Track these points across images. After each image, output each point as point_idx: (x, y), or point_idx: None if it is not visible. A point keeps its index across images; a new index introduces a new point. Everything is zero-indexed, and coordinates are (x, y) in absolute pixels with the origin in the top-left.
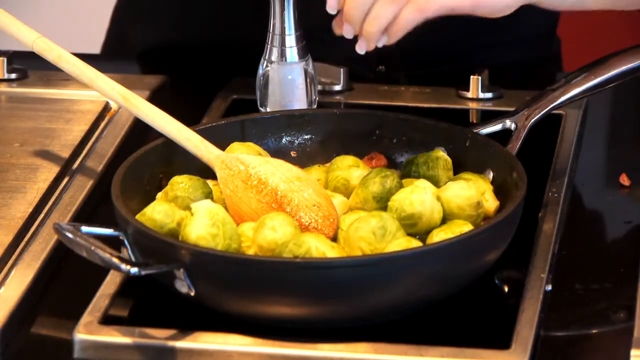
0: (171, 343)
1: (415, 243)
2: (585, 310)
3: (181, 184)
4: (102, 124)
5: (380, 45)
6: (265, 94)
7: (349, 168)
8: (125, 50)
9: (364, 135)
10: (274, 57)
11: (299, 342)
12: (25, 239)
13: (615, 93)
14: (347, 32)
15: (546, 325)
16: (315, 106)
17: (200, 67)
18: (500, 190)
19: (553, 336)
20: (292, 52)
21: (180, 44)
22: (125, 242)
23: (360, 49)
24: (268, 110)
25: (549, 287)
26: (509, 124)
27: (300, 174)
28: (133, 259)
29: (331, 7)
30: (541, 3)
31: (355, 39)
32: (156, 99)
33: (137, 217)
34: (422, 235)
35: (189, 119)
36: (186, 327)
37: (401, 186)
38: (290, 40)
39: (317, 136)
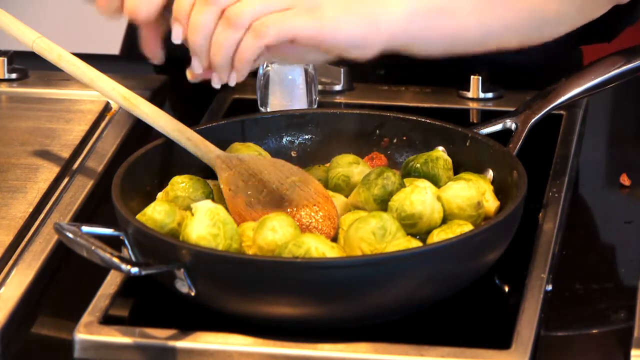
0: (171, 343)
1: (415, 243)
2: (585, 310)
3: (181, 184)
4: (103, 124)
5: (232, 83)
6: (266, 94)
7: (349, 165)
8: (133, 51)
9: (364, 135)
10: None
11: (299, 342)
12: (26, 239)
13: (615, 93)
14: (196, 67)
15: (546, 325)
16: (315, 106)
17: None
18: (500, 190)
19: (553, 336)
20: None
21: (182, 44)
22: (126, 242)
23: (215, 83)
24: (268, 110)
25: (549, 287)
26: (509, 124)
27: (300, 173)
28: (133, 259)
29: (175, 36)
30: (408, 50)
31: None
32: (156, 99)
33: (138, 217)
34: (423, 235)
35: (189, 119)
36: (186, 327)
37: (402, 186)
38: None
39: (317, 136)
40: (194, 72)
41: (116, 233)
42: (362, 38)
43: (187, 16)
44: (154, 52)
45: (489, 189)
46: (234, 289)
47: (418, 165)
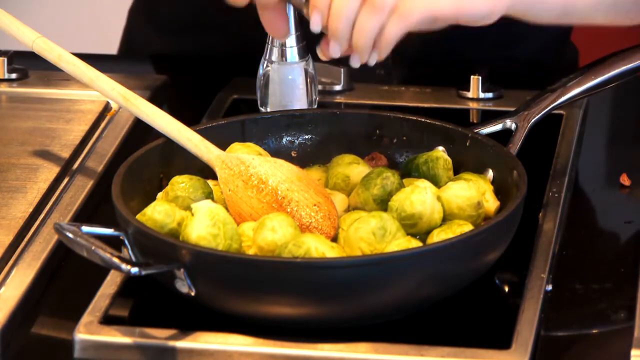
0: (171, 343)
1: (415, 243)
2: (585, 310)
3: (181, 184)
4: (103, 124)
5: (372, 62)
6: (266, 94)
7: (349, 165)
8: (132, 51)
9: (364, 135)
10: (274, 57)
11: (299, 342)
12: (26, 239)
13: (615, 93)
14: (334, 51)
15: (546, 325)
16: (315, 106)
17: (200, 67)
18: (500, 190)
19: (553, 336)
20: (292, 52)
21: (182, 44)
22: (126, 242)
23: (355, 62)
24: (268, 110)
25: (549, 287)
26: (509, 124)
27: (300, 173)
28: (133, 259)
29: (315, 24)
30: (525, 16)
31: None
32: (156, 99)
33: (138, 217)
34: (423, 235)
35: (189, 119)
36: (186, 327)
37: (402, 186)
38: (291, 40)
39: (317, 136)
40: (331, 55)
41: (116, 233)
42: (490, 10)
43: (328, 5)
44: (281, 31)
45: (489, 189)
46: (234, 289)
47: (418, 165)
